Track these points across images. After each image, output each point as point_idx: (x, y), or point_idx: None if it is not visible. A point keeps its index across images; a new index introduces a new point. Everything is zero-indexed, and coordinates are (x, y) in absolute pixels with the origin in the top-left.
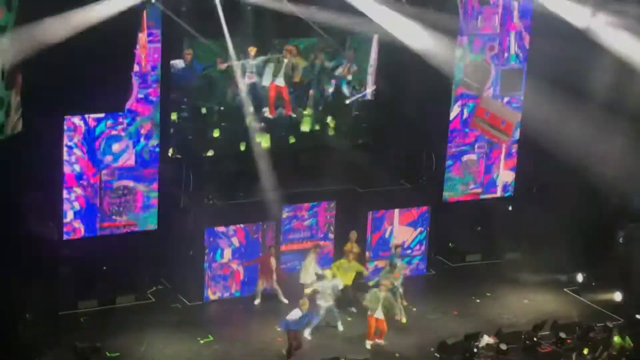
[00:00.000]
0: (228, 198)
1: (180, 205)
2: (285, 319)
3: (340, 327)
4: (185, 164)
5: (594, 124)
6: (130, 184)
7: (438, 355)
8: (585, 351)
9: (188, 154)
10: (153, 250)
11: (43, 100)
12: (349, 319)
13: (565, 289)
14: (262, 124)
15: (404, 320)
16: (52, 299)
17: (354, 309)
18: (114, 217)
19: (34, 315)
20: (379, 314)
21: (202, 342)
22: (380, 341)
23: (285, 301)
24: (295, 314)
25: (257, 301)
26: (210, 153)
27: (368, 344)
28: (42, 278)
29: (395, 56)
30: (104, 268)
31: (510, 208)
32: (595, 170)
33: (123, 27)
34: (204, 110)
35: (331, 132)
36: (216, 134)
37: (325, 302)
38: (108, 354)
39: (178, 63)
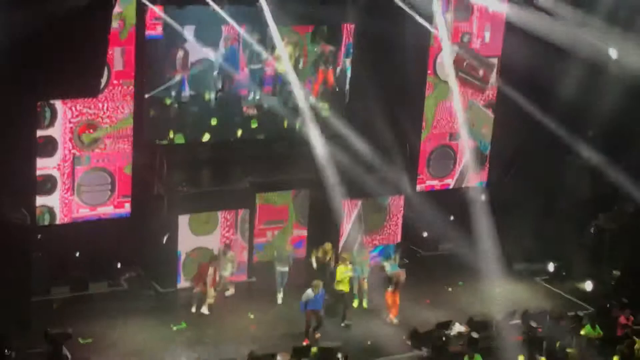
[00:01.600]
0: (202, 185)
1: (154, 192)
2: (301, 301)
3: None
4: (160, 151)
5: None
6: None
7: (410, 343)
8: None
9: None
10: (127, 237)
11: (15, 86)
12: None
13: (536, 279)
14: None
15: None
16: (24, 285)
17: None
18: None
19: (5, 301)
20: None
21: (175, 328)
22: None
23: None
24: (308, 295)
25: (193, 309)
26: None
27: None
28: (14, 264)
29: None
30: (77, 254)
31: (483, 197)
32: (567, 162)
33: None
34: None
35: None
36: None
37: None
38: (81, 341)
39: None
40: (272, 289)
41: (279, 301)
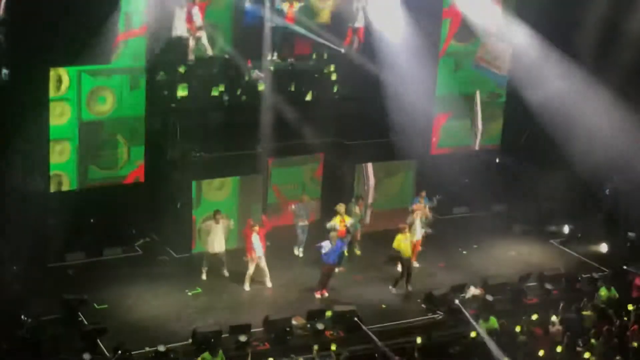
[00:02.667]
0: (215, 150)
1: (167, 158)
2: (324, 254)
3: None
4: (172, 117)
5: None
6: None
7: (424, 307)
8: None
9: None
10: (141, 202)
11: (29, 52)
12: None
13: (551, 241)
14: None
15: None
16: (40, 251)
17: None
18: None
19: (21, 268)
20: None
21: (190, 294)
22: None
23: (269, 284)
24: (326, 246)
25: (246, 286)
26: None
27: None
28: (29, 231)
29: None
30: (92, 220)
31: (497, 160)
32: (582, 124)
33: None
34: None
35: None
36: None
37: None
38: (96, 306)
39: None
40: (286, 253)
41: (301, 255)
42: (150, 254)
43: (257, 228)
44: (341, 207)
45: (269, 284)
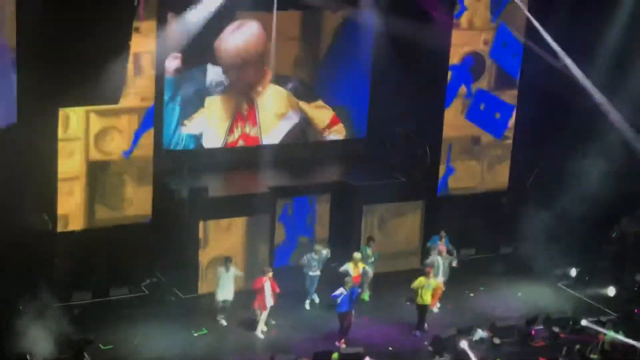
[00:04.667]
0: (223, 191)
1: (174, 198)
2: (339, 303)
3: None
4: (180, 157)
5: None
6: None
7: (432, 349)
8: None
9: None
10: (147, 242)
11: (37, 93)
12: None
13: (558, 284)
14: None
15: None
16: (46, 291)
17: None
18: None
19: (27, 307)
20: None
21: (196, 335)
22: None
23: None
24: (341, 294)
25: (259, 333)
26: None
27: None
28: (35, 270)
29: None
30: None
31: (503, 201)
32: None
33: (118, 18)
34: None
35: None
36: None
37: (311, 272)
38: (101, 347)
39: None
40: (293, 293)
41: (307, 307)
42: (156, 294)
43: (270, 275)
44: (358, 255)
45: (260, 335)
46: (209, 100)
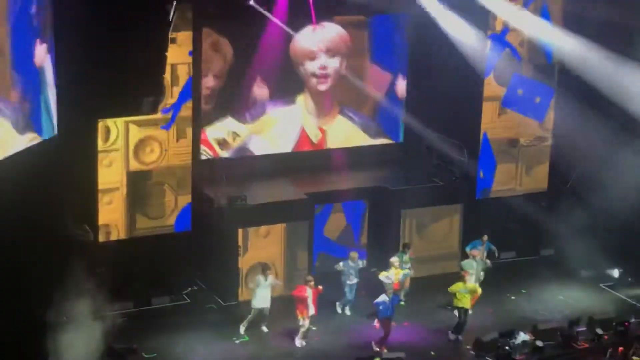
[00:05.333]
0: (261, 198)
1: (214, 206)
2: (380, 310)
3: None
4: (219, 165)
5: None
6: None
7: (474, 353)
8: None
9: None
10: (188, 251)
11: (77, 104)
12: None
13: (601, 285)
14: None
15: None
16: (88, 301)
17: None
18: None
19: (70, 318)
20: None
21: (237, 342)
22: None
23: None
24: (382, 299)
25: (299, 342)
26: None
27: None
28: (77, 280)
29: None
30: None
31: (543, 204)
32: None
33: (154, 29)
34: None
35: None
36: None
37: (349, 281)
38: (145, 355)
39: None
40: (333, 298)
41: (339, 311)
42: (197, 302)
43: (312, 283)
44: (396, 261)
45: (300, 344)
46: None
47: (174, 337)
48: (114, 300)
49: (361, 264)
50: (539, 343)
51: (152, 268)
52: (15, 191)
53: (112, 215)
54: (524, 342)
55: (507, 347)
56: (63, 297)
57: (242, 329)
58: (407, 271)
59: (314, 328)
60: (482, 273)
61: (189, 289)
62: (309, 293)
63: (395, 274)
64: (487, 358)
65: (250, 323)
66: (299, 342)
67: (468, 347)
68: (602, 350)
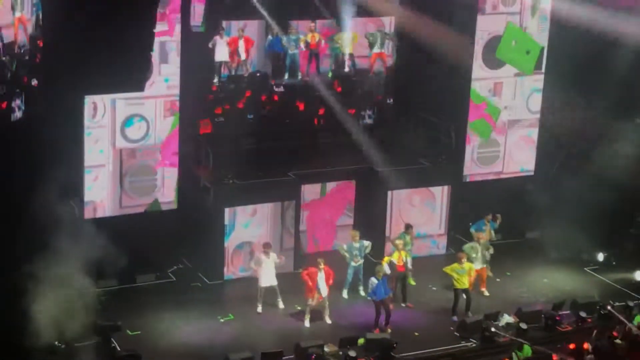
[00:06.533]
0: (248, 177)
1: (200, 185)
2: (370, 293)
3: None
4: (205, 143)
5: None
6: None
7: (458, 334)
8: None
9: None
10: (174, 229)
11: (63, 80)
12: None
13: (585, 268)
14: None
15: (412, 282)
16: (73, 277)
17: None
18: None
19: (54, 293)
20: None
21: (222, 320)
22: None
23: (329, 321)
24: (372, 282)
25: (306, 322)
26: None
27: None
28: (62, 257)
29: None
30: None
31: (529, 187)
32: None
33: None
34: None
35: None
36: None
37: (354, 262)
38: (129, 332)
39: None
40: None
41: (345, 296)
42: (183, 281)
43: (322, 266)
44: (400, 242)
45: (328, 320)
46: None
47: (159, 315)
48: (99, 277)
49: (367, 245)
50: (523, 325)
51: (138, 246)
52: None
53: (98, 193)
54: (508, 324)
55: (491, 329)
56: (47, 274)
57: (259, 308)
58: (407, 254)
59: (298, 307)
60: (487, 254)
61: (175, 267)
62: (319, 275)
63: (398, 257)
64: (471, 340)
65: (263, 300)
66: (306, 322)
67: (452, 328)
68: (585, 333)
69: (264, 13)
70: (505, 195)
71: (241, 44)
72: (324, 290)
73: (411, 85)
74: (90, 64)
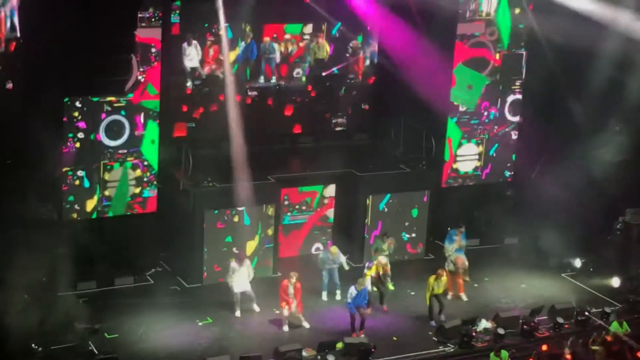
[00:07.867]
0: (227, 181)
1: (179, 188)
2: (348, 302)
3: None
4: (185, 147)
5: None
6: None
7: (436, 339)
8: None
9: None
10: (153, 232)
11: (44, 83)
12: None
13: (563, 274)
14: None
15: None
16: (51, 280)
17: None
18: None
19: (32, 296)
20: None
21: (200, 324)
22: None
23: (307, 325)
24: (351, 292)
25: (285, 327)
26: None
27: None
28: (41, 259)
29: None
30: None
31: (509, 193)
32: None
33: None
34: None
35: None
36: None
37: (328, 265)
38: (107, 336)
39: None
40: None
41: (325, 298)
42: (161, 284)
43: (294, 280)
44: (383, 259)
45: (306, 325)
46: None
47: (137, 318)
48: (77, 280)
49: (345, 261)
50: (501, 331)
51: (116, 248)
52: None
53: (77, 195)
54: (485, 329)
55: (469, 334)
56: (26, 277)
57: (237, 313)
58: (386, 260)
59: (276, 311)
60: (465, 263)
61: (153, 270)
62: (290, 290)
63: (374, 271)
64: (449, 344)
65: (240, 305)
66: (285, 327)
67: (430, 333)
68: (562, 338)
69: (242, 18)
70: (484, 200)
71: (211, 52)
72: (294, 305)
73: (389, 91)
74: (71, 65)
